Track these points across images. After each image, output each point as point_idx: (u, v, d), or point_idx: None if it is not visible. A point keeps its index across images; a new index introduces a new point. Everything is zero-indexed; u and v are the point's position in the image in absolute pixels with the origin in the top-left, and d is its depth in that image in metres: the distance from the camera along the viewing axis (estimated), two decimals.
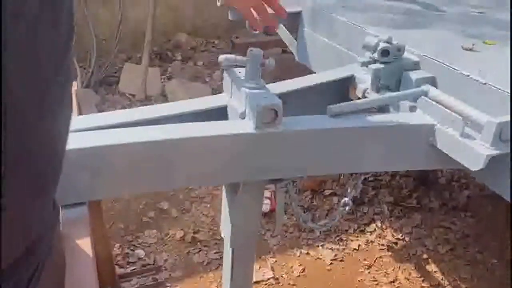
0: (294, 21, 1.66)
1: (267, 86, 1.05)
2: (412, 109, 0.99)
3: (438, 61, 1.00)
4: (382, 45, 1.01)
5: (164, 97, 3.05)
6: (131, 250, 1.97)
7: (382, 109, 1.08)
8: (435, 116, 0.93)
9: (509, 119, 0.83)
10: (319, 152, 0.91)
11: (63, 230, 0.70)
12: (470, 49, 1.11)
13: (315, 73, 1.57)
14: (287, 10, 1.64)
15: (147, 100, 3.01)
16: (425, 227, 2.21)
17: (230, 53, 1.03)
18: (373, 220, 2.22)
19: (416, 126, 0.93)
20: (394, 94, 0.99)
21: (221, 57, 0.95)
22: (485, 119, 0.85)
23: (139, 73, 3.03)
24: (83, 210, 0.83)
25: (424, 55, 1.04)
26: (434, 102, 0.93)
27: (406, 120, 0.94)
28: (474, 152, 0.84)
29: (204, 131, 0.85)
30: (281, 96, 1.11)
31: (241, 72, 0.95)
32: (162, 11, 3.53)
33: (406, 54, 1.08)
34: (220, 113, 1.01)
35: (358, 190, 1.03)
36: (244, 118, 0.89)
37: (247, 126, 0.86)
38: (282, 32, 1.81)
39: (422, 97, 0.96)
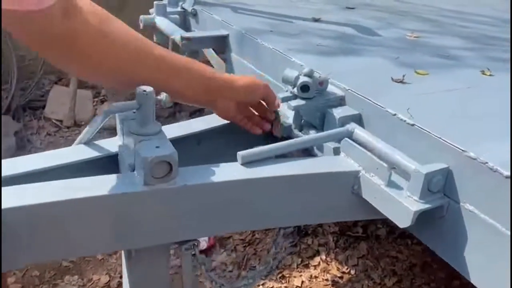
0: (222, 45, 1.54)
1: (170, 127, 0.92)
2: (336, 151, 0.89)
3: (363, 97, 0.91)
4: (302, 79, 0.90)
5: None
6: None
7: (306, 148, 0.97)
8: (359, 161, 0.82)
9: (439, 167, 0.74)
10: (227, 208, 0.78)
11: None
12: (401, 81, 1.03)
13: None
14: (214, 33, 1.55)
15: (76, 126, 2.79)
16: (371, 257, 2.13)
17: None
18: (317, 253, 2.12)
19: (339, 174, 0.82)
20: (314, 136, 0.88)
21: (106, 109, 0.79)
22: (413, 167, 0.75)
23: (68, 97, 2.81)
24: None
25: (349, 89, 0.95)
26: (358, 146, 0.83)
27: (327, 166, 0.83)
28: (401, 207, 0.74)
29: (85, 191, 0.70)
30: (194, 136, 1.00)
31: (135, 111, 0.81)
32: None
33: (331, 87, 0.98)
34: (114, 161, 0.86)
35: (278, 246, 0.91)
36: (134, 170, 0.75)
37: (136, 182, 0.72)
38: (211, 55, 1.69)
39: (346, 139, 0.85)
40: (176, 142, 0.94)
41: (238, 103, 0.90)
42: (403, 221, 0.74)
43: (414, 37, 1.55)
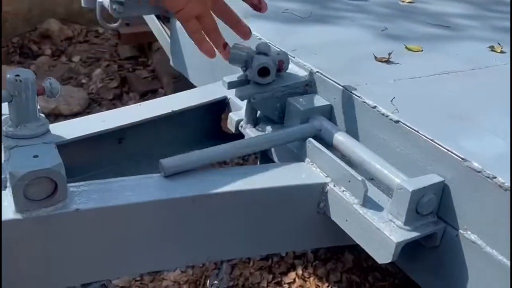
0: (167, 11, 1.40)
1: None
2: (299, 155, 0.77)
3: (335, 82, 0.79)
4: (258, 60, 0.77)
5: None
6: None
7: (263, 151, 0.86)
8: (327, 170, 0.71)
9: (432, 182, 0.63)
10: (143, 239, 0.66)
11: None
12: (386, 60, 0.91)
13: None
14: None
15: None
16: (358, 271, 2.05)
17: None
18: (292, 267, 2.03)
19: (300, 188, 0.71)
20: (267, 137, 0.76)
21: None
22: (397, 181, 0.64)
23: None
24: None
25: (317, 72, 0.83)
26: (325, 150, 0.71)
27: (284, 178, 0.72)
28: (380, 236, 0.63)
29: None
30: (113, 133, 0.87)
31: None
32: None
33: (294, 69, 0.86)
34: None
35: (224, 284, 0.79)
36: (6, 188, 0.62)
37: (6, 206, 0.59)
38: (154, 26, 1.55)
39: (310, 139, 0.74)
40: (88, 141, 0.82)
41: None
42: (382, 255, 0.64)
43: (408, 1, 1.44)
